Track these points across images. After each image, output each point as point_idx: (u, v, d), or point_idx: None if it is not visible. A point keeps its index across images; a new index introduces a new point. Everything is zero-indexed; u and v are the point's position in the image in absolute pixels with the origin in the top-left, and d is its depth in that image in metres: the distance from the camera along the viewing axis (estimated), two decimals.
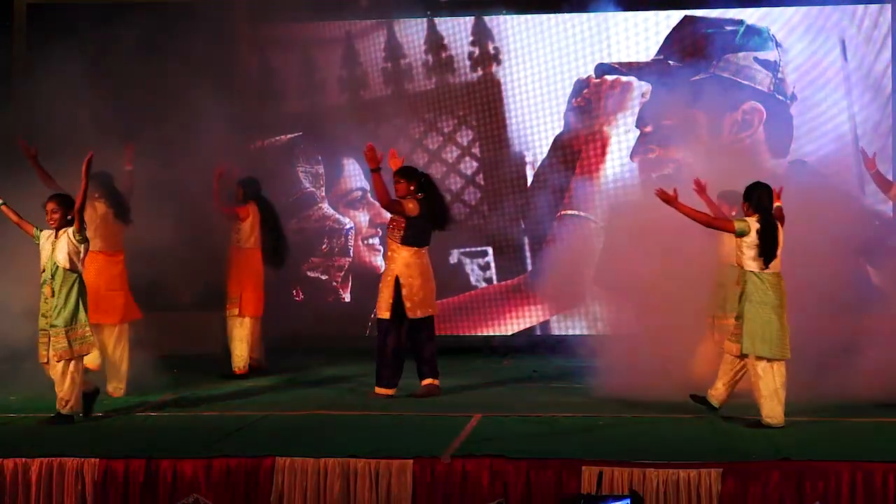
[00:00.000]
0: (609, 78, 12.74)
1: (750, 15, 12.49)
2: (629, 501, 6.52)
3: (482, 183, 13.05)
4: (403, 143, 13.10)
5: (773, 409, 8.18)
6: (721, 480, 6.85)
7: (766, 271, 8.30)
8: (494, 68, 13.04)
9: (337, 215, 13.27)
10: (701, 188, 9.16)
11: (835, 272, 9.57)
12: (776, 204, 8.44)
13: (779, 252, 8.31)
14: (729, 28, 12.52)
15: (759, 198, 8.37)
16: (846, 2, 12.36)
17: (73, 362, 8.54)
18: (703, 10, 12.55)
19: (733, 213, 8.88)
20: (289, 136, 13.33)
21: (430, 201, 9.73)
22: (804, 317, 8.99)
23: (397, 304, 9.57)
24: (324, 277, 13.29)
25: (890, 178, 10.69)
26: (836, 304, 9.55)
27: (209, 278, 11.96)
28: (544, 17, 12.90)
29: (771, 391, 8.19)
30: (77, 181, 8.56)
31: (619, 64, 12.74)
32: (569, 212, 12.07)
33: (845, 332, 9.37)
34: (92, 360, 9.31)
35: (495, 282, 13.03)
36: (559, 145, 12.82)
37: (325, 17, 13.20)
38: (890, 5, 12.30)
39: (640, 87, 12.58)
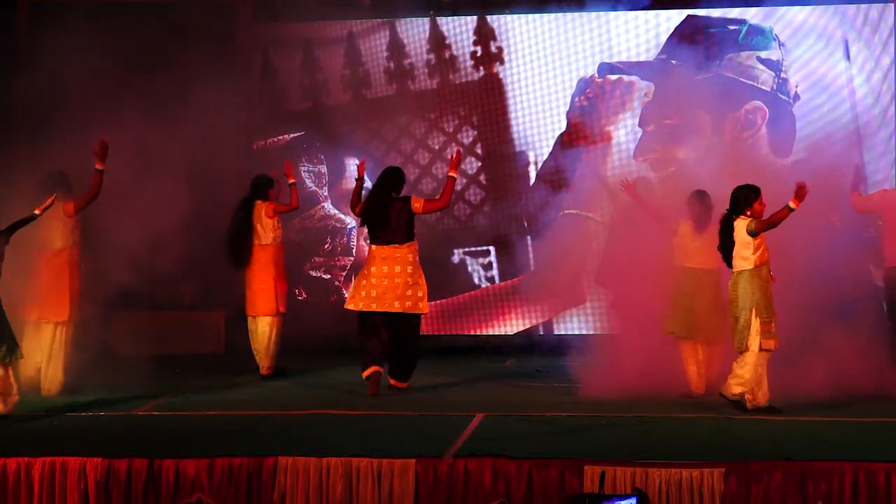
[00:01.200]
0: (612, 77, 12.73)
1: (753, 14, 12.48)
2: (635, 501, 6.51)
3: (484, 182, 13.05)
4: (406, 142, 13.12)
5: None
6: (724, 480, 6.85)
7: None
8: (497, 67, 13.03)
9: (339, 214, 13.27)
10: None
11: (837, 271, 9.58)
12: (789, 204, 8.52)
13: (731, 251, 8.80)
14: (731, 27, 12.52)
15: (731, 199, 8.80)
16: (849, 1, 12.35)
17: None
18: (705, 9, 12.54)
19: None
20: (291, 135, 13.33)
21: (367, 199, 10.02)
22: (805, 315, 9.07)
23: None
24: (326, 277, 13.29)
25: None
26: (837, 302, 9.58)
27: (209, 278, 11.99)
28: (547, 16, 12.89)
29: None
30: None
31: (622, 63, 12.73)
32: (571, 211, 12.05)
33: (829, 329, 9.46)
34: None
35: (497, 281, 13.02)
36: (562, 144, 12.81)
37: (327, 16, 13.19)
38: (893, 5, 12.29)
39: (643, 87, 12.57)
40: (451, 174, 9.93)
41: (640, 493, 6.64)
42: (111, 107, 10.58)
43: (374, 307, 9.78)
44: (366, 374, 9.80)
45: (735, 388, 8.68)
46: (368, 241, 9.99)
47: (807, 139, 12.02)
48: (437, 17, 13.09)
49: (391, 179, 9.97)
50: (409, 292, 9.76)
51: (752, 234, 8.60)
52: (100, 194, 9.72)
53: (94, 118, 10.39)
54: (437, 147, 13.09)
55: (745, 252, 8.64)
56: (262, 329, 10.87)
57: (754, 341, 8.60)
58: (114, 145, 9.89)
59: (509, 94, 12.99)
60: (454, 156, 10.00)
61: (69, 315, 9.80)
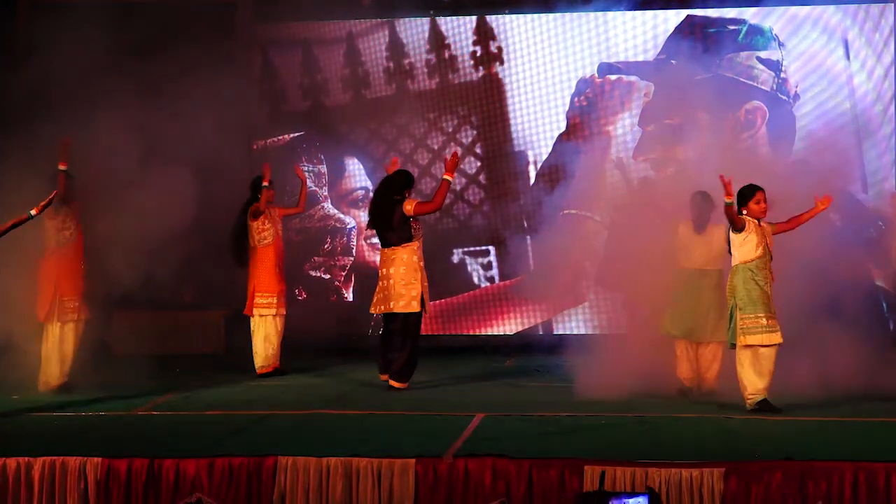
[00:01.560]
0: (612, 77, 12.73)
1: (752, 14, 12.48)
2: (646, 500, 6.51)
3: (484, 182, 13.05)
4: (406, 142, 13.12)
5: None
6: (724, 480, 6.84)
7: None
8: (497, 67, 13.03)
9: (339, 214, 13.28)
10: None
11: (837, 270, 9.60)
12: (725, 200, 8.69)
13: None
14: (731, 27, 12.52)
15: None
16: (849, 1, 12.35)
17: None
18: (705, 9, 12.55)
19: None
20: (291, 135, 13.33)
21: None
22: (806, 314, 9.08)
23: None
24: (326, 277, 13.28)
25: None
26: (837, 301, 9.60)
27: (209, 278, 11.99)
28: (547, 16, 12.89)
29: None
30: None
31: (622, 63, 12.73)
32: (571, 211, 12.05)
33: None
34: None
35: (497, 281, 13.02)
36: (561, 144, 12.81)
37: (327, 16, 13.19)
38: (893, 5, 12.29)
39: (643, 87, 12.57)
40: (446, 177, 9.94)
41: (651, 492, 6.64)
42: (109, 106, 10.55)
43: (381, 309, 10.01)
44: (382, 378, 10.16)
45: (747, 395, 8.71)
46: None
47: (807, 139, 12.01)
48: (437, 17, 13.09)
49: (392, 183, 10.02)
50: (403, 291, 9.84)
51: (735, 231, 8.69)
52: (68, 194, 9.77)
53: (93, 117, 10.39)
54: (436, 147, 13.09)
55: (732, 249, 8.80)
56: (251, 328, 10.99)
57: (739, 338, 8.66)
58: (114, 145, 9.89)
59: (509, 94, 13.00)
60: (450, 158, 10.01)
61: (45, 316, 9.83)
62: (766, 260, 8.69)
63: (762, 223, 8.74)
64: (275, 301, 10.94)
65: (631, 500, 6.52)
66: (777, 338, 8.63)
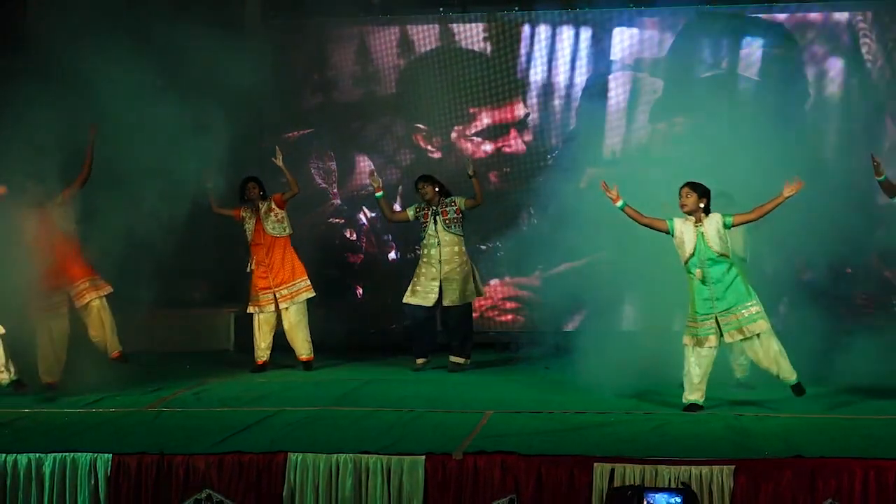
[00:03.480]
0: (621, 74, 12.71)
1: (764, 12, 12.46)
2: (681, 500, 6.52)
3: (494, 180, 13.04)
4: (417, 138, 13.11)
5: None
6: (733, 477, 6.85)
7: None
8: (506, 64, 13.01)
9: (349, 211, 13.27)
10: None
11: (848, 267, 9.60)
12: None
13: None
14: (742, 24, 12.49)
15: None
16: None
17: None
18: (716, 6, 12.52)
19: (700, 205, 8.89)
20: (301, 132, 13.33)
21: None
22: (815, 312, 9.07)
23: None
24: (336, 274, 13.28)
25: None
26: (849, 298, 9.60)
27: (220, 276, 12.02)
28: (556, 12, 12.88)
29: None
30: None
31: (632, 60, 12.71)
32: (581, 207, 12.03)
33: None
34: None
35: (507, 277, 13.01)
36: (571, 141, 12.80)
37: (336, 14, 13.16)
38: None
39: (653, 84, 12.55)
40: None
41: (686, 489, 6.64)
42: (116, 102, 10.57)
43: None
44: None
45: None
46: None
47: (819, 137, 11.99)
48: (447, 15, 13.08)
49: None
50: None
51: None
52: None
53: (99, 111, 10.41)
54: (446, 143, 13.09)
55: None
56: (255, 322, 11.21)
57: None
58: (118, 141, 9.95)
59: (519, 91, 12.98)
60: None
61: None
62: (698, 259, 8.65)
63: (703, 219, 8.67)
64: (252, 298, 11.06)
65: (659, 495, 6.53)
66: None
